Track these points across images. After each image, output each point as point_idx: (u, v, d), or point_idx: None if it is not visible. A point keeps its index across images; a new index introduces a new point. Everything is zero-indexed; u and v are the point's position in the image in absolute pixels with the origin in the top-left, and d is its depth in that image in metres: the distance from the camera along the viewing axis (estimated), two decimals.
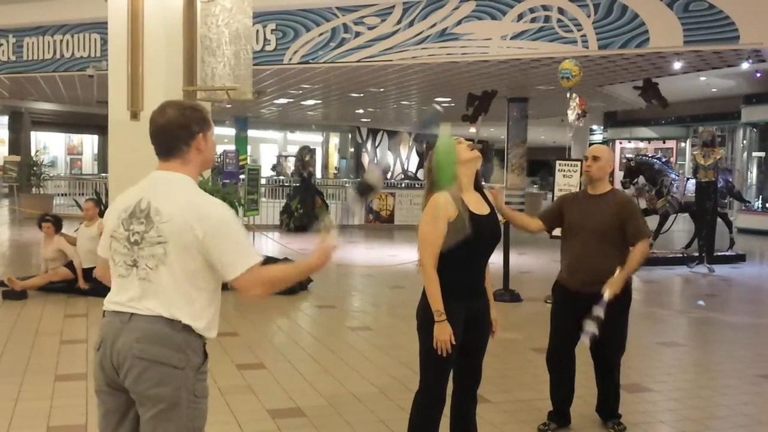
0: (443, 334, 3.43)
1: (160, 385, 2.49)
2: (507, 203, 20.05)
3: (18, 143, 27.93)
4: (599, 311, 4.25)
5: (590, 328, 4.24)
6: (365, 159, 38.86)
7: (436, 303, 3.45)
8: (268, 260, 2.70)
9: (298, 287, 9.34)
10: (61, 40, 16.05)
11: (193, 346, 2.56)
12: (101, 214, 9.33)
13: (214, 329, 2.65)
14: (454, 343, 3.45)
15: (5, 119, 28.62)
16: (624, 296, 4.49)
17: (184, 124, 2.62)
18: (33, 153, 26.02)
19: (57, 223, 9.11)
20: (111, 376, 2.57)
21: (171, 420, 2.52)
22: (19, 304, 8.21)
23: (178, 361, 2.51)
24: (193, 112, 2.66)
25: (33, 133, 29.82)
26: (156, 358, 2.49)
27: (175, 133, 2.61)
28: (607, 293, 4.28)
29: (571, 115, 9.78)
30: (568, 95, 9.90)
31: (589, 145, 26.88)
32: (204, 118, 2.67)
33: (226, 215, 2.57)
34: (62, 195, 21.72)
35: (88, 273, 8.79)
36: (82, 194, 20.39)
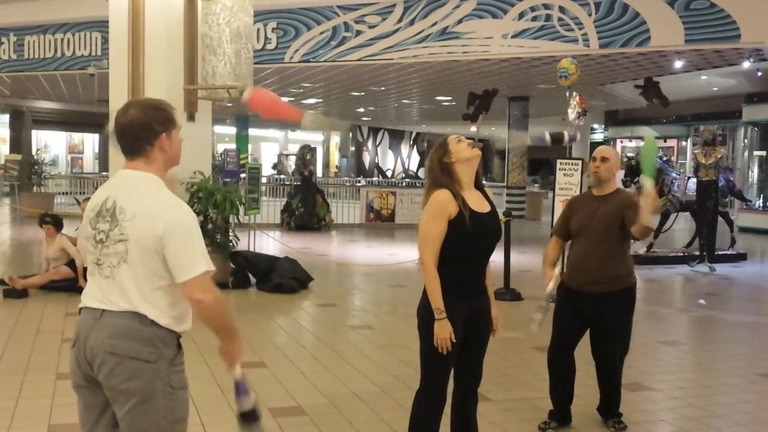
0: (443, 332, 3.43)
1: (132, 379, 2.53)
2: (507, 202, 20.03)
3: (19, 142, 27.94)
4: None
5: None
6: (366, 158, 38.86)
7: (437, 301, 3.45)
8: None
9: (299, 286, 9.35)
10: (62, 39, 16.06)
11: (163, 339, 2.59)
12: None
13: (186, 322, 2.68)
14: (454, 341, 3.45)
15: (6, 118, 28.63)
16: (628, 298, 4.49)
17: (146, 123, 2.63)
18: (34, 152, 26.05)
19: (57, 223, 9.11)
20: (87, 372, 2.62)
21: (147, 413, 2.55)
22: (20, 302, 8.22)
23: (149, 354, 2.55)
24: (156, 112, 2.67)
25: (34, 132, 29.83)
26: (127, 352, 2.53)
27: (137, 133, 2.64)
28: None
29: (572, 113, 9.77)
30: (567, 94, 9.90)
31: (590, 144, 26.96)
32: (167, 117, 2.68)
33: (185, 218, 2.59)
34: (63, 194, 21.72)
35: (86, 271, 8.79)
36: (83, 193, 20.40)
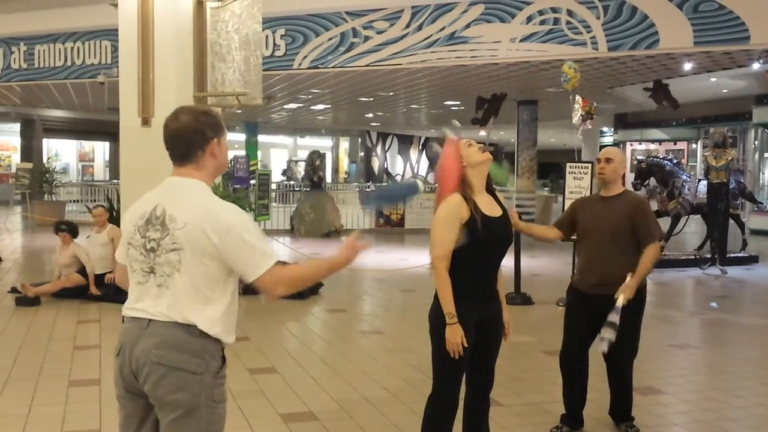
0: (455, 337, 3.42)
1: (179, 391, 2.51)
2: (516, 206, 20.00)
3: (30, 150, 28.08)
4: (615, 317, 4.24)
5: (607, 335, 4.23)
6: (375, 164, 38.87)
7: (448, 305, 3.45)
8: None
9: (308, 292, 9.36)
10: (72, 48, 16.14)
11: (210, 350, 2.58)
12: (111, 220, 9.38)
13: (232, 334, 2.67)
14: (466, 345, 3.45)
15: (17, 127, 28.78)
16: (638, 299, 4.48)
17: (199, 129, 2.62)
18: (45, 160, 26.16)
19: (72, 230, 9.18)
20: (130, 382, 2.59)
21: (189, 425, 2.54)
22: (32, 310, 8.26)
23: (196, 366, 2.53)
24: (207, 117, 2.66)
25: (45, 140, 29.97)
26: (174, 363, 2.51)
27: (189, 139, 2.62)
28: (621, 299, 4.27)
29: (575, 117, 9.76)
30: (571, 98, 9.89)
31: (600, 147, 26.85)
32: (218, 123, 2.68)
33: (240, 220, 2.57)
34: (74, 202, 21.83)
35: (99, 279, 8.84)
36: (94, 201, 20.49)
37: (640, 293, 4.50)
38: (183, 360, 2.52)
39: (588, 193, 8.96)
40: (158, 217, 2.57)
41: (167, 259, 2.54)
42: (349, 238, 2.79)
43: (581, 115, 9.71)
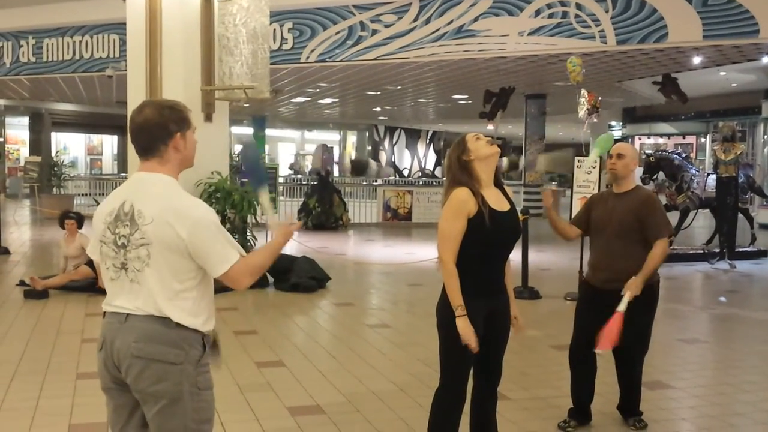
0: (466, 329, 3.41)
1: (160, 382, 2.55)
2: (525, 200, 19.96)
3: (38, 144, 28.16)
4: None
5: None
6: (382, 157, 38.85)
7: (456, 298, 3.44)
8: None
9: (316, 285, 9.36)
10: (81, 41, 16.16)
11: (189, 340, 2.61)
12: None
13: (210, 321, 2.69)
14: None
15: (26, 120, 28.86)
16: (650, 296, 4.46)
17: (162, 123, 2.64)
18: (53, 153, 26.23)
19: (80, 220, 9.21)
20: (115, 375, 2.64)
21: (175, 414, 2.57)
22: (40, 303, 8.29)
23: (175, 357, 2.57)
24: (171, 112, 2.68)
25: (53, 134, 30.04)
26: (153, 356, 2.55)
27: (152, 133, 2.65)
28: (627, 296, 4.26)
29: (581, 110, 9.72)
30: (576, 92, 9.86)
31: None
32: (182, 117, 2.69)
33: (206, 215, 2.60)
34: (82, 195, 21.88)
35: None
36: (102, 194, 20.53)
37: (652, 290, 4.48)
38: (161, 351, 2.55)
39: (596, 188, 8.94)
40: (126, 213, 2.60)
41: (137, 254, 2.57)
42: (282, 223, 2.89)
43: (587, 109, 9.68)
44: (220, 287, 2.72)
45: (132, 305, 2.59)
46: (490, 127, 21.10)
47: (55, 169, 21.70)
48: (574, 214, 8.93)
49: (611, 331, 4.17)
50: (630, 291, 4.28)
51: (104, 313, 2.71)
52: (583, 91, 9.78)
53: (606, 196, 4.71)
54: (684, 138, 27.27)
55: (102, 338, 2.67)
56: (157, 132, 2.64)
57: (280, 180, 18.52)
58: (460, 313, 3.42)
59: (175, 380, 2.56)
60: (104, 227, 2.66)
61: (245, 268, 2.62)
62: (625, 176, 4.56)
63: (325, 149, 18.31)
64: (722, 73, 18.44)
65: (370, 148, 38.29)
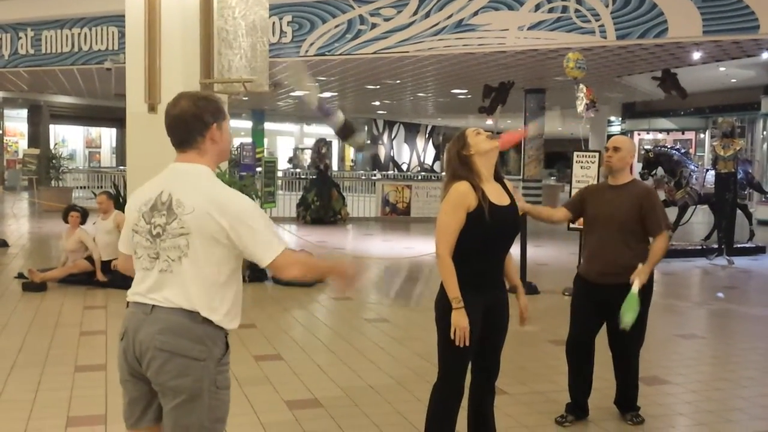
0: (461, 322, 3.41)
1: (181, 377, 2.52)
2: (524, 195, 20.02)
3: (37, 136, 28.14)
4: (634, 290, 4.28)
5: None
6: (381, 152, 38.82)
7: (453, 290, 3.44)
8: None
9: (314, 279, 9.36)
10: (79, 34, 16.15)
11: (213, 337, 2.58)
12: (118, 207, 9.40)
13: (236, 320, 2.67)
14: (470, 331, 3.44)
15: (24, 113, 28.84)
16: (645, 290, 4.47)
17: (198, 114, 2.62)
18: (52, 146, 26.21)
19: (84, 215, 9.22)
20: (134, 366, 2.61)
21: (192, 411, 2.55)
22: (38, 296, 8.29)
23: (199, 352, 2.54)
24: (207, 103, 2.67)
25: (52, 127, 30.02)
26: (177, 349, 2.52)
27: (189, 124, 2.63)
28: (636, 284, 4.25)
29: (579, 105, 9.72)
30: (575, 87, 9.86)
31: (607, 137, 26.79)
32: (218, 108, 2.68)
33: (248, 205, 2.59)
34: (81, 188, 21.87)
35: (106, 265, 8.85)
36: (101, 187, 20.53)
37: (648, 283, 4.48)
38: (186, 346, 2.53)
39: (594, 182, 8.93)
40: (164, 202, 2.58)
41: (174, 243, 2.54)
42: (356, 268, 2.81)
43: (586, 104, 9.68)
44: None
45: (160, 296, 2.56)
46: (490, 121, 21.09)
47: (54, 161, 21.69)
48: None
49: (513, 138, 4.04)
50: (639, 279, 4.27)
51: (127, 303, 2.68)
52: (582, 86, 9.78)
53: (601, 189, 4.70)
54: (683, 134, 27.27)
55: (124, 328, 2.63)
56: (193, 124, 2.62)
57: (279, 174, 18.51)
58: (457, 305, 3.42)
59: (197, 376, 2.53)
60: (138, 216, 2.63)
61: (294, 258, 2.62)
62: (621, 169, 4.55)
63: (324, 144, 18.37)
64: (722, 69, 18.43)
65: (369, 142, 38.27)
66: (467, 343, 3.43)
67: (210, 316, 2.55)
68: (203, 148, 2.65)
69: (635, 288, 4.25)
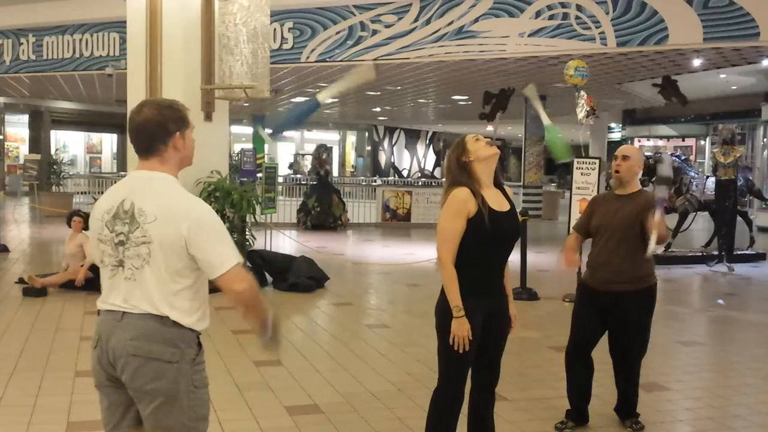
0: (461, 330, 3.42)
1: (156, 380, 2.56)
2: (524, 202, 19.93)
3: (38, 142, 28.14)
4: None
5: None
6: (382, 158, 38.83)
7: (455, 299, 3.44)
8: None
9: (315, 285, 9.36)
10: (81, 39, 16.16)
11: (185, 339, 2.62)
12: None
13: (205, 320, 2.70)
14: (471, 338, 3.44)
15: (25, 118, 28.85)
16: (649, 297, 4.46)
17: (161, 122, 2.65)
18: (53, 152, 26.22)
19: (87, 220, 9.23)
20: (109, 372, 2.65)
21: (171, 412, 2.58)
22: (39, 301, 8.29)
23: (171, 355, 2.57)
24: (171, 111, 2.69)
25: (53, 132, 30.01)
26: (150, 354, 2.55)
27: (152, 132, 2.65)
28: (654, 235, 4.24)
29: (580, 113, 9.72)
30: (576, 94, 9.87)
31: (608, 143, 26.82)
32: (181, 117, 2.70)
33: (209, 215, 2.62)
34: (82, 193, 21.87)
35: None
36: (101, 193, 20.46)
37: (651, 291, 4.49)
38: (158, 350, 2.56)
39: (595, 189, 8.94)
40: (126, 211, 2.60)
41: (137, 252, 2.58)
42: (278, 334, 2.87)
43: (586, 110, 9.69)
44: (214, 287, 2.72)
45: (128, 303, 2.59)
46: (490, 128, 21.10)
47: (55, 167, 21.71)
48: (573, 215, 8.94)
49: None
50: (655, 229, 4.25)
51: (98, 311, 2.72)
52: (583, 93, 9.79)
53: (608, 198, 4.71)
54: (683, 140, 27.31)
55: (97, 336, 2.68)
56: (156, 131, 2.64)
57: (280, 180, 18.51)
58: (457, 314, 3.42)
59: (171, 378, 2.57)
60: (101, 225, 2.66)
61: (242, 276, 2.62)
62: (630, 179, 4.56)
63: (325, 149, 18.36)
64: (722, 76, 18.46)
65: (369, 148, 38.31)
66: (467, 349, 3.44)
67: (179, 319, 2.59)
68: (166, 156, 2.67)
69: (653, 240, 4.24)
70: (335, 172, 32.67)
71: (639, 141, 27.99)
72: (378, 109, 27.95)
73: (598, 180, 9.09)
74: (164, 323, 2.57)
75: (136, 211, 2.58)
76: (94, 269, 8.89)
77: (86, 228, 9.17)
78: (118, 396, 2.68)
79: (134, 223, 2.57)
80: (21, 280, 9.11)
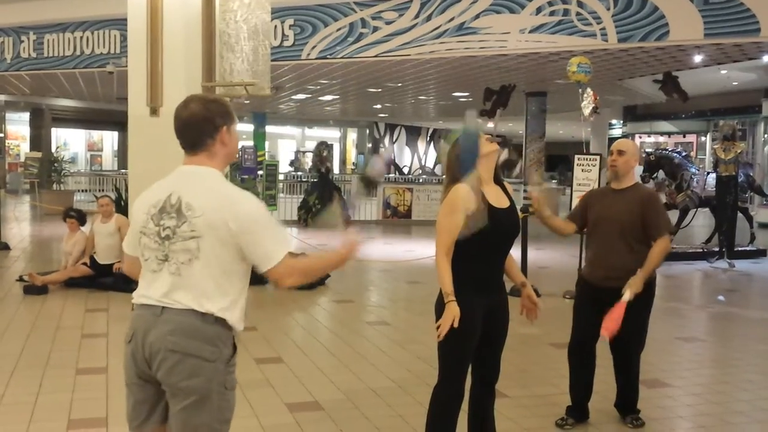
0: (449, 315, 3.38)
1: (192, 377, 2.53)
2: (524, 198, 19.98)
3: (39, 140, 28.16)
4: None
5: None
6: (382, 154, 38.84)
7: (446, 286, 3.42)
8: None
9: (316, 282, 9.37)
10: (81, 37, 16.16)
11: (223, 338, 2.61)
12: (119, 210, 9.42)
13: (243, 322, 2.70)
14: (467, 332, 3.43)
15: (26, 116, 28.86)
16: (647, 293, 4.47)
17: (208, 117, 2.64)
18: (54, 149, 26.24)
19: (81, 218, 9.25)
20: (142, 368, 2.61)
21: (201, 412, 2.56)
22: (40, 298, 8.30)
23: (210, 353, 2.56)
24: (217, 106, 2.69)
25: (53, 130, 30.04)
26: (189, 350, 2.53)
27: (199, 127, 2.64)
28: (627, 294, 4.25)
29: (587, 109, 9.72)
30: (580, 91, 9.86)
31: (608, 140, 26.80)
32: (227, 111, 2.70)
33: (258, 208, 2.61)
34: (83, 191, 21.88)
35: (108, 269, 8.86)
36: (102, 190, 20.55)
37: (650, 287, 4.49)
38: (197, 347, 2.54)
39: (596, 186, 8.94)
40: (173, 205, 2.58)
41: (184, 246, 2.55)
42: (349, 233, 2.81)
43: (593, 107, 9.70)
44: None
45: (170, 298, 2.56)
46: (490, 124, 21.08)
47: (56, 165, 21.70)
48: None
49: (615, 318, 4.15)
50: (630, 290, 4.28)
51: (132, 305, 2.69)
52: (589, 90, 9.79)
53: (604, 193, 4.71)
54: (684, 137, 27.27)
55: (132, 330, 2.63)
56: (204, 126, 2.64)
57: (281, 177, 18.52)
58: (447, 299, 3.41)
59: (207, 377, 2.55)
60: (146, 218, 2.63)
61: (292, 267, 2.60)
62: (626, 173, 4.56)
63: (326, 147, 18.38)
64: (723, 72, 18.43)
65: (370, 145, 38.30)
66: (467, 345, 3.43)
67: (223, 315, 2.58)
68: (213, 151, 2.66)
69: (626, 297, 4.25)
70: (336, 170, 32.69)
71: (640, 137, 27.97)
72: (379, 106, 27.94)
73: (599, 176, 9.09)
74: (206, 320, 2.55)
75: (183, 206, 2.56)
76: (95, 267, 8.91)
77: (81, 225, 9.20)
78: (144, 393, 2.65)
79: (181, 217, 2.55)
80: (22, 278, 9.12)
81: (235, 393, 2.69)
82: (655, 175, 13.61)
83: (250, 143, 20.95)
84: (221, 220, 2.52)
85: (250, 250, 2.56)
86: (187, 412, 2.55)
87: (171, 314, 2.56)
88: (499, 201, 3.57)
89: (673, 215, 12.01)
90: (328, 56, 14.15)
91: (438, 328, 3.47)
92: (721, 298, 9.67)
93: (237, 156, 13.99)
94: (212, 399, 2.56)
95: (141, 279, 2.68)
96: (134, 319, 2.65)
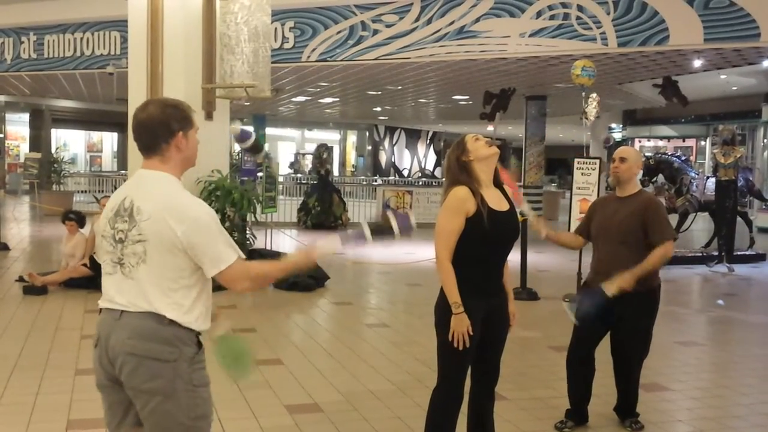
0: (461, 326, 3.42)
1: (153, 379, 2.55)
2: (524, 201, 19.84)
3: (39, 140, 28.14)
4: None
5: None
6: (382, 157, 38.85)
7: (453, 295, 3.44)
8: (253, 255, 2.78)
9: (315, 284, 9.37)
10: (82, 38, 16.16)
11: (183, 338, 2.61)
12: None
13: (206, 321, 2.69)
14: (470, 335, 3.44)
15: (26, 117, 28.85)
16: (650, 300, 4.46)
17: (165, 121, 2.65)
18: (53, 150, 26.21)
19: (80, 220, 9.25)
20: (109, 371, 2.65)
21: (169, 411, 2.58)
22: (39, 299, 8.30)
23: (169, 354, 2.57)
24: (175, 110, 2.68)
25: (53, 131, 30.02)
26: (147, 353, 2.55)
27: (155, 130, 2.65)
28: (610, 287, 4.24)
29: (591, 113, 9.72)
30: (583, 94, 9.86)
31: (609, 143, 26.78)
32: (185, 116, 2.70)
33: (204, 214, 2.60)
34: (82, 192, 21.86)
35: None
36: (102, 191, 20.55)
37: (654, 294, 4.49)
38: (155, 349, 2.55)
39: (595, 189, 8.95)
40: (126, 208, 2.61)
41: (133, 250, 2.58)
42: (309, 244, 2.82)
43: (597, 111, 9.72)
44: (218, 285, 2.71)
45: (126, 301, 2.59)
46: (490, 128, 21.09)
47: (55, 165, 21.68)
48: (573, 215, 8.94)
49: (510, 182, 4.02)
50: (616, 283, 4.25)
51: (100, 309, 2.72)
52: (594, 94, 9.81)
53: (609, 200, 4.72)
54: (684, 141, 27.29)
55: (97, 335, 2.68)
56: (159, 130, 2.64)
57: (280, 179, 18.51)
58: (456, 310, 3.43)
59: (169, 377, 2.56)
60: (105, 222, 2.68)
61: (243, 272, 2.61)
62: (628, 180, 4.57)
63: (326, 149, 18.38)
64: (723, 77, 18.45)
65: (370, 147, 38.31)
66: (467, 345, 3.44)
67: (176, 318, 2.58)
68: (167, 155, 2.66)
69: (608, 290, 4.23)
70: (336, 172, 32.69)
71: (639, 141, 27.99)
72: (378, 109, 27.95)
73: (599, 180, 9.10)
74: (161, 322, 2.56)
75: (134, 210, 2.59)
76: (94, 267, 8.90)
77: (81, 227, 9.19)
78: (118, 395, 2.68)
79: (132, 221, 2.58)
80: (21, 279, 9.11)
81: (208, 389, 2.68)
82: (654, 179, 13.61)
83: None
84: (166, 225, 2.54)
85: (197, 254, 2.56)
86: (154, 413, 2.58)
87: (128, 318, 2.59)
88: (499, 204, 3.58)
89: (673, 219, 12.00)
90: (328, 59, 14.15)
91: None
92: (720, 302, 9.67)
93: (234, 158, 13.92)
94: (178, 398, 2.57)
95: (102, 282, 2.72)
96: (99, 323, 2.70)
